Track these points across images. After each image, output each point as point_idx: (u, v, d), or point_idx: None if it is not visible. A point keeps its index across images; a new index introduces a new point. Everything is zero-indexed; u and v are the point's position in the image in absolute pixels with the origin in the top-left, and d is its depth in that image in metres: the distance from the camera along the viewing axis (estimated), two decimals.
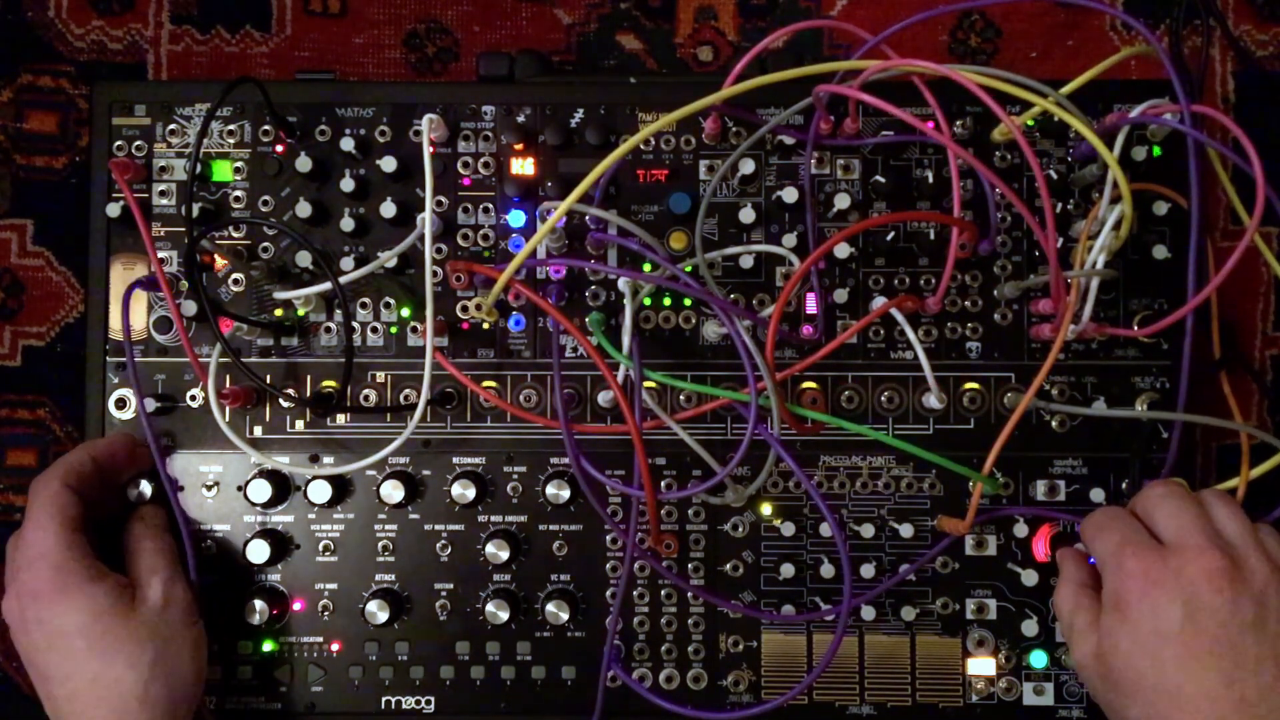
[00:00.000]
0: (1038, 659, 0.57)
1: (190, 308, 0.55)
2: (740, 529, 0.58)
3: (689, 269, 0.56)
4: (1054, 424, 0.57)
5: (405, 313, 0.58)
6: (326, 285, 0.53)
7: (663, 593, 0.58)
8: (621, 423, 0.56)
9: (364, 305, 0.57)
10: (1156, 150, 0.57)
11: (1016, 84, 0.51)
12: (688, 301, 0.57)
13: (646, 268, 0.57)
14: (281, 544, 0.57)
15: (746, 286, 0.57)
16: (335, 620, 0.57)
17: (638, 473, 0.52)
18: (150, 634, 0.52)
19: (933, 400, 0.56)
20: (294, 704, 0.57)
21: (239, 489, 0.57)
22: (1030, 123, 0.57)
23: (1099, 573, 0.50)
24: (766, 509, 0.57)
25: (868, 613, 0.57)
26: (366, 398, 0.57)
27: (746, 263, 0.57)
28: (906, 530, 0.57)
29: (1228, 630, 0.44)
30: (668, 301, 0.57)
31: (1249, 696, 0.43)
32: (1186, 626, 0.44)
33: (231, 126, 0.58)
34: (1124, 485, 0.57)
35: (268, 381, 0.56)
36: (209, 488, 0.57)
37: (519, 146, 0.58)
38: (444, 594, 0.57)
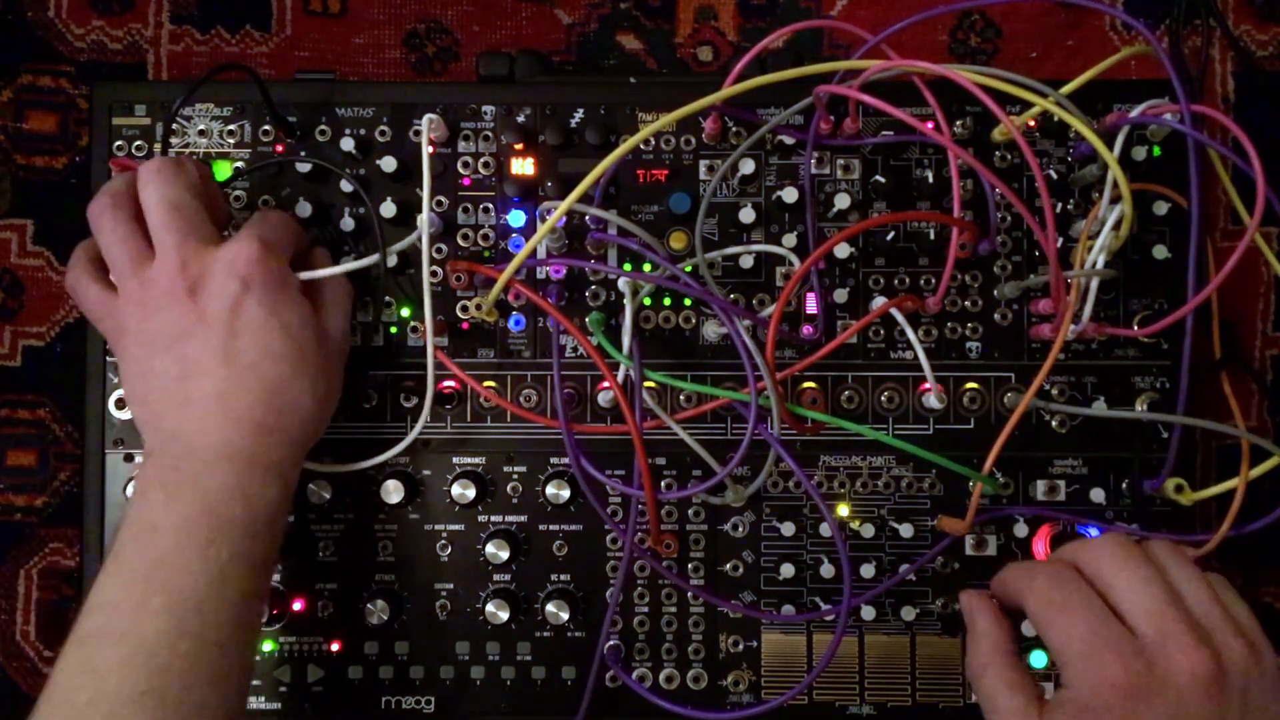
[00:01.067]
0: (1037, 659, 0.57)
1: None
2: (740, 529, 0.57)
3: (689, 269, 0.56)
4: (1054, 424, 0.57)
5: (405, 313, 0.58)
6: (326, 272, 0.53)
7: (663, 593, 0.58)
8: (621, 423, 0.56)
9: (364, 305, 0.57)
10: (1156, 150, 0.57)
11: (1016, 84, 0.51)
12: (688, 301, 0.57)
13: (646, 268, 0.57)
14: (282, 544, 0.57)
15: (746, 286, 0.57)
16: (335, 620, 0.57)
17: (637, 473, 0.52)
18: (332, 368, 0.52)
19: (933, 400, 0.56)
20: (294, 704, 0.57)
21: None
22: (1031, 123, 0.57)
23: (1013, 625, 0.46)
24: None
25: (868, 613, 0.57)
26: (368, 397, 0.57)
27: (746, 263, 0.57)
28: (906, 530, 0.57)
29: None
30: (668, 301, 0.57)
31: None
32: None
33: (231, 126, 0.58)
34: (1124, 485, 0.57)
35: None
36: None
37: (519, 146, 0.58)
38: (444, 594, 0.57)
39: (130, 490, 0.56)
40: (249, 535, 0.47)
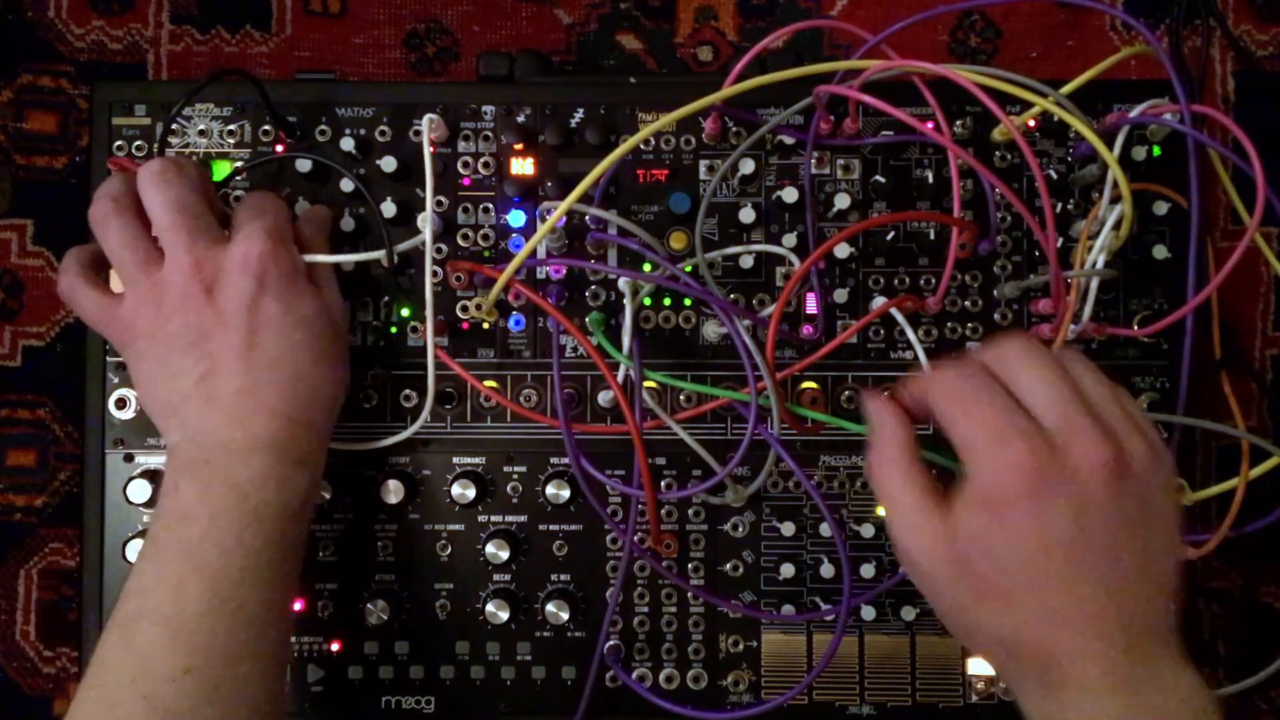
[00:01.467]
0: None
1: None
2: (740, 529, 0.57)
3: (689, 269, 0.56)
4: None
5: (405, 313, 0.58)
6: (335, 259, 0.53)
7: (663, 593, 0.58)
8: (621, 422, 0.56)
9: (364, 305, 0.57)
10: (1156, 150, 0.57)
11: (1016, 84, 0.51)
12: (688, 301, 0.57)
13: (646, 267, 0.57)
14: None
15: (746, 286, 0.57)
16: (335, 620, 0.57)
17: (637, 473, 0.52)
18: (342, 349, 0.53)
19: None
20: (294, 704, 0.57)
21: None
22: (1031, 123, 0.57)
23: (915, 431, 0.45)
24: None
25: (868, 613, 0.57)
26: (368, 397, 0.57)
27: (746, 263, 0.57)
28: None
29: (1114, 533, 0.40)
30: (668, 301, 0.57)
31: (1127, 606, 0.40)
32: (1075, 535, 0.39)
33: (231, 126, 0.58)
34: None
35: None
36: None
37: (519, 146, 0.58)
38: (444, 594, 0.57)
39: (131, 490, 0.56)
40: (282, 521, 0.48)
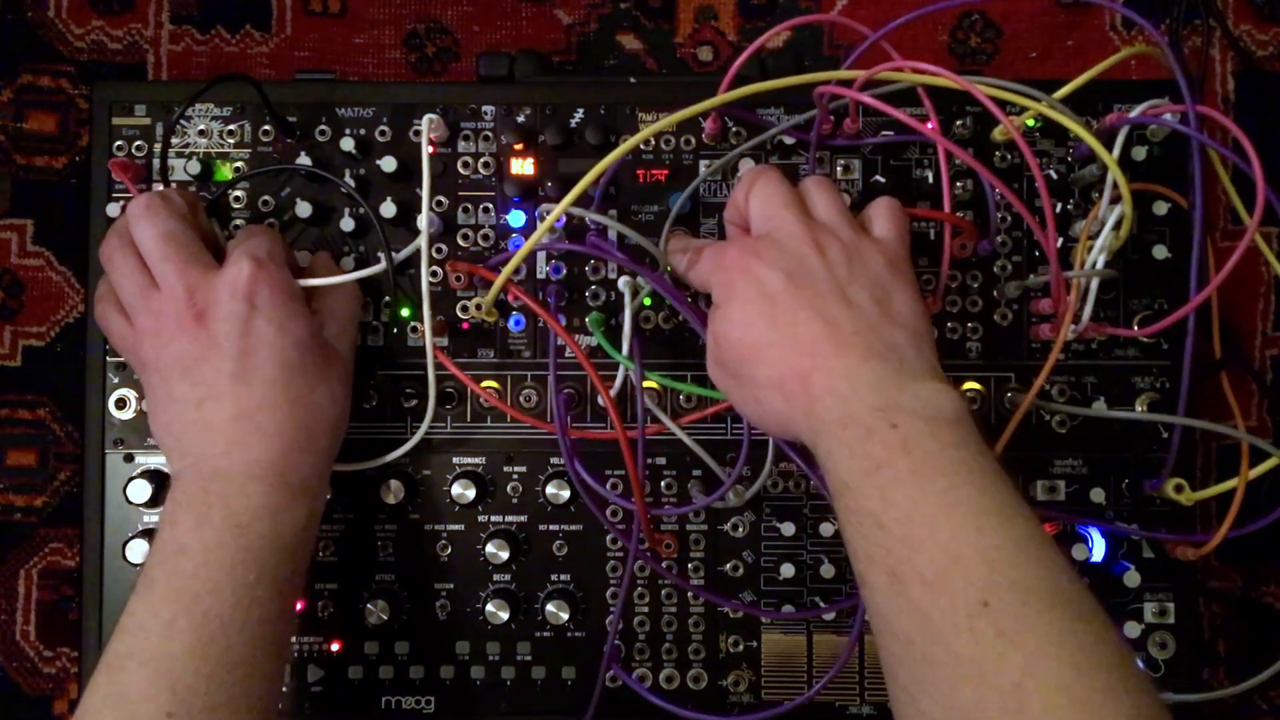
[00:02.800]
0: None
1: None
2: (740, 529, 0.57)
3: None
4: (1054, 424, 0.57)
5: (405, 313, 0.58)
6: (330, 280, 0.53)
7: (663, 593, 0.58)
8: (623, 423, 0.56)
9: (364, 305, 0.57)
10: (1157, 150, 0.57)
11: (1014, 91, 0.51)
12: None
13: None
14: None
15: None
16: (335, 620, 0.57)
17: (641, 476, 0.52)
18: (343, 376, 0.53)
19: None
20: (294, 704, 0.57)
21: None
22: (1031, 123, 0.57)
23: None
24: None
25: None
26: (368, 397, 0.57)
27: None
28: None
29: (823, 283, 0.46)
30: (668, 302, 0.57)
31: (850, 329, 0.45)
32: (788, 285, 0.46)
33: (231, 127, 0.58)
34: (1124, 485, 0.57)
35: None
36: None
37: (519, 146, 0.57)
38: (444, 594, 0.57)
39: (131, 490, 0.56)
40: (276, 556, 0.48)
